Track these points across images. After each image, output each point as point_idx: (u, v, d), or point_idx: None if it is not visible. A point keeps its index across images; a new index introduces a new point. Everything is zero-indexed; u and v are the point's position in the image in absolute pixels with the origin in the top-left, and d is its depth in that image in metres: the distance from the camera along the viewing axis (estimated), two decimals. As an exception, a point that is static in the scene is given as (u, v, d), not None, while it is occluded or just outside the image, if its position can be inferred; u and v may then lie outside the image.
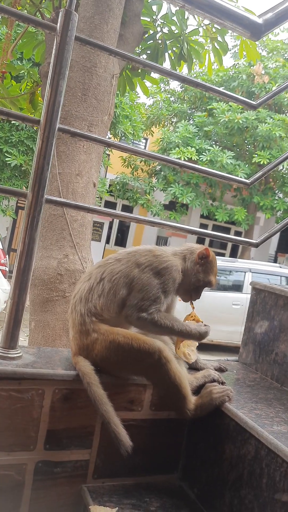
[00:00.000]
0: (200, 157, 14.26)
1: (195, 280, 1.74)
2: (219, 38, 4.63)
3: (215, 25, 4.45)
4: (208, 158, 14.15)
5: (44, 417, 1.52)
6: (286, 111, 15.56)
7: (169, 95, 17.78)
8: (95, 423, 1.60)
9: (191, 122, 16.55)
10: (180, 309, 1.95)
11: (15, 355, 1.57)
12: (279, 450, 1.30)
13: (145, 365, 1.55)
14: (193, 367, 1.86)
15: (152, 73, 4.80)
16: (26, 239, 1.58)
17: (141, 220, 1.94)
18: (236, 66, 15.94)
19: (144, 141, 19.61)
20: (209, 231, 2.13)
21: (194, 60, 4.73)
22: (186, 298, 1.80)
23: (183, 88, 17.15)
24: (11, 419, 1.47)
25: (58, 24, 1.53)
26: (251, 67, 15.08)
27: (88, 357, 1.58)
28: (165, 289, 1.63)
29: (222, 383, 1.71)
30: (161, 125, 17.35)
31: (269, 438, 1.34)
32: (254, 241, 2.16)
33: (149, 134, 17.47)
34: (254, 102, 2.04)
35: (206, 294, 6.67)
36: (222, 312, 9.71)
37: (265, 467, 1.36)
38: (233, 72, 15.86)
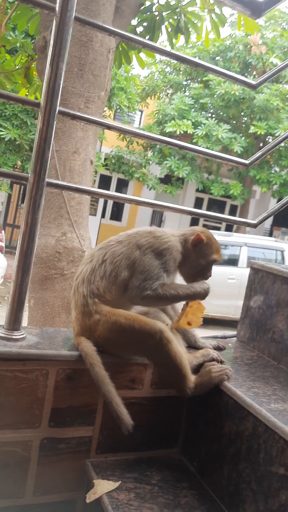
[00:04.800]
0: (195, 131, 14.11)
1: (197, 264, 1.77)
2: (217, 10, 4.54)
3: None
4: (204, 132, 14.00)
5: (49, 396, 1.57)
6: (283, 81, 15.32)
7: (164, 66, 17.42)
8: (98, 401, 1.64)
9: (187, 94, 16.28)
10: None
11: (19, 337, 1.60)
12: (276, 427, 1.35)
13: (147, 345, 1.59)
14: (192, 346, 1.90)
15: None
16: (28, 221, 1.59)
17: (140, 202, 1.95)
18: (233, 36, 15.59)
19: (139, 113, 19.31)
20: (207, 212, 2.15)
21: (191, 30, 4.63)
22: (192, 280, 1.78)
23: (178, 59, 16.77)
24: (17, 398, 1.51)
25: (57, 4, 1.50)
26: (248, 37, 14.76)
27: (90, 338, 1.61)
28: (167, 269, 1.67)
29: (221, 362, 1.75)
30: (156, 97, 17.06)
31: (267, 415, 1.39)
32: (253, 222, 2.18)
33: (144, 106, 17.20)
34: (253, 82, 2.03)
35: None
36: (217, 286, 9.77)
37: (263, 443, 1.41)
38: (229, 42, 15.52)
